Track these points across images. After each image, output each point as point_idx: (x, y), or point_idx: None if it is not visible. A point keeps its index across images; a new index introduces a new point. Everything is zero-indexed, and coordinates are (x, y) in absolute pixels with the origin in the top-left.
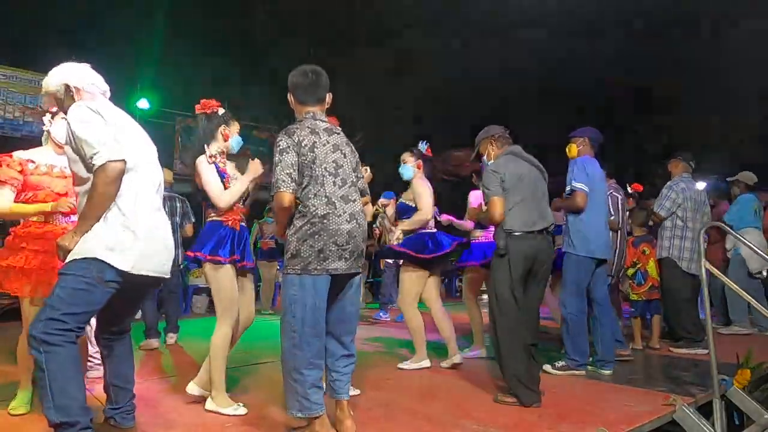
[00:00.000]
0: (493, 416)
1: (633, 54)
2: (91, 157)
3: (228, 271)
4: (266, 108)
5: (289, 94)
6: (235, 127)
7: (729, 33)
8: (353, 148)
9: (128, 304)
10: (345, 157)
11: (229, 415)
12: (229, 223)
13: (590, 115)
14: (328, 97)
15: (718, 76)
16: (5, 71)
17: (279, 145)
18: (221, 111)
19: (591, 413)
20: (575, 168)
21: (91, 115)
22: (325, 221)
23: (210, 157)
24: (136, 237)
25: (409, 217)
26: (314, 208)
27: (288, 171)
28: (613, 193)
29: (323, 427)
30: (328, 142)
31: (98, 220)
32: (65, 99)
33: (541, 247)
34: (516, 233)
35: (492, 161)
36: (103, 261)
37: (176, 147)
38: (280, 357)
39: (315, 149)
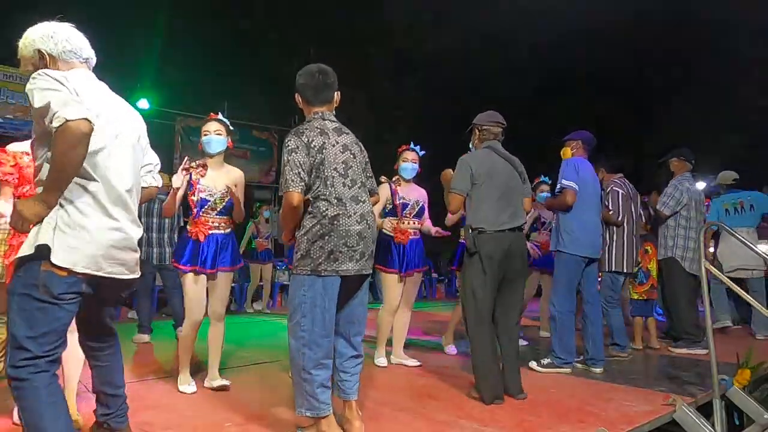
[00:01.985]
0: (493, 416)
1: (632, 54)
2: (51, 122)
3: (189, 278)
4: (266, 108)
5: (296, 95)
6: (203, 129)
7: (729, 33)
8: (362, 147)
9: (98, 310)
10: (354, 157)
11: (182, 392)
12: (192, 234)
13: (589, 114)
14: (336, 96)
15: (718, 76)
16: (5, 71)
17: (288, 146)
18: (204, 119)
19: (591, 413)
20: (566, 167)
21: (48, 81)
22: (335, 222)
23: (182, 170)
24: (88, 231)
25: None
26: (324, 209)
27: (297, 170)
28: (614, 188)
29: (330, 427)
30: (337, 143)
31: (61, 192)
32: (40, 67)
33: (513, 245)
34: (485, 231)
35: (468, 153)
36: (48, 267)
37: (176, 147)
38: (289, 356)
39: (324, 150)
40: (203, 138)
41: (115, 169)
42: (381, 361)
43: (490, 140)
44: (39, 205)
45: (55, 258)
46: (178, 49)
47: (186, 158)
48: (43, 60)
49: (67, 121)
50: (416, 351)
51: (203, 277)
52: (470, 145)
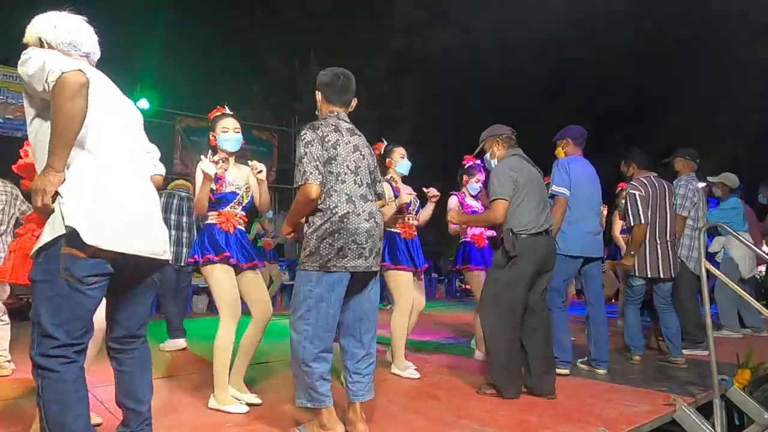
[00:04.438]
0: (493, 416)
1: (632, 53)
2: (46, 81)
3: (221, 270)
4: (266, 108)
5: (317, 92)
6: (220, 125)
7: (729, 32)
8: (372, 150)
9: (129, 299)
10: (364, 158)
11: (230, 413)
12: (222, 225)
13: (590, 114)
14: (354, 101)
15: (718, 76)
16: (5, 71)
17: (304, 138)
18: (218, 115)
19: (591, 413)
20: (556, 171)
21: (41, 51)
22: (345, 220)
23: (211, 160)
24: (113, 201)
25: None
26: (334, 206)
27: (315, 163)
28: (630, 191)
29: (330, 419)
30: (349, 142)
31: (67, 153)
32: None
33: (549, 248)
34: (526, 234)
35: (501, 161)
36: (68, 250)
37: (176, 147)
38: (290, 348)
39: (337, 146)
40: (222, 135)
41: (120, 146)
42: (411, 372)
43: (513, 147)
44: (49, 173)
45: (84, 236)
46: (178, 49)
47: (209, 151)
48: (42, 48)
49: (63, 72)
50: (416, 351)
51: (231, 270)
52: (488, 158)
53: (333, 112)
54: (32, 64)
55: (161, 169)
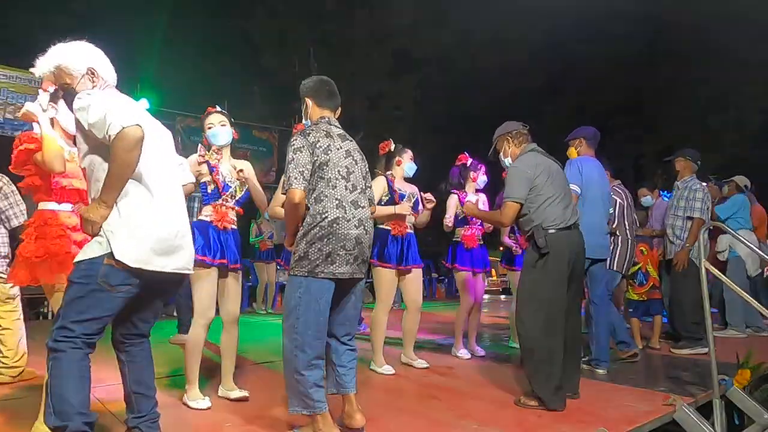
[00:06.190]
0: (493, 416)
1: (632, 54)
2: (107, 133)
3: (209, 273)
4: (266, 108)
5: (306, 98)
6: (206, 123)
7: (729, 32)
8: (363, 156)
9: (148, 305)
10: (356, 164)
11: (193, 408)
12: (216, 223)
13: (590, 114)
14: (339, 109)
15: (718, 76)
16: (5, 71)
17: (294, 144)
18: (205, 114)
19: (591, 413)
20: (569, 168)
21: (99, 98)
22: (334, 225)
23: (199, 156)
24: (151, 229)
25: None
26: (324, 211)
27: (301, 169)
28: (613, 196)
29: (326, 425)
30: (341, 147)
31: (119, 192)
32: (80, 82)
33: (579, 242)
34: (555, 229)
35: (516, 159)
36: (110, 261)
37: (177, 147)
38: (282, 356)
39: (329, 152)
40: (208, 131)
41: (159, 168)
42: (387, 369)
43: (528, 143)
44: (101, 207)
45: (123, 257)
46: (178, 49)
47: (200, 146)
48: (93, 77)
49: (124, 128)
50: (416, 351)
51: (215, 272)
52: (502, 158)
53: (324, 118)
54: (93, 113)
55: (192, 178)
